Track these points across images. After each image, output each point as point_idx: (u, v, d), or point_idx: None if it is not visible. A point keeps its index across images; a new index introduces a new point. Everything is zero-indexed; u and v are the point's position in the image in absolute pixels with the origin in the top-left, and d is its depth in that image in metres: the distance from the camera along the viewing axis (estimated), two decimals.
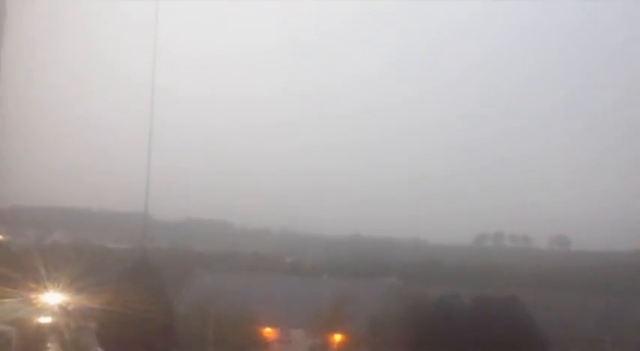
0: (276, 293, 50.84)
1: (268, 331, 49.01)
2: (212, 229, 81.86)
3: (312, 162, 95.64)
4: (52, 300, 38.76)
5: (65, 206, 73.78)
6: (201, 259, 65.06)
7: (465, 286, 55.30)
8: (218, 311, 44.25)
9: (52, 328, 38.50)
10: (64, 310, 39.46)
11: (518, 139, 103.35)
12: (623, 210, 76.49)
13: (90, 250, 55.31)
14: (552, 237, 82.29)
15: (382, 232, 78.32)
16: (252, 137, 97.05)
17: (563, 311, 52.03)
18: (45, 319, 38.19)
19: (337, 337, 46.73)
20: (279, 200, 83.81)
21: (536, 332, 45.99)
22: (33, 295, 36.89)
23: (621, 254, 70.28)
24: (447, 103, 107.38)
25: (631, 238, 67.08)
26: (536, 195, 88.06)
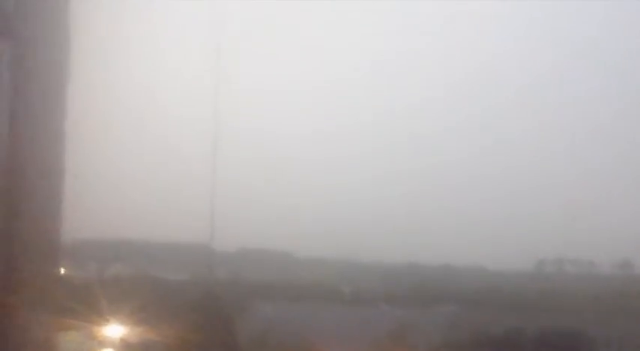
0: (335, 323, 50.83)
1: None
2: (270, 259, 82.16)
3: (368, 191, 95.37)
4: (114, 332, 39.30)
5: (126, 238, 74.79)
6: (260, 289, 65.28)
7: (526, 312, 54.58)
8: (277, 341, 44.40)
9: None
10: (125, 342, 39.96)
11: (577, 163, 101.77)
12: None
13: (151, 282, 55.98)
14: (615, 261, 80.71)
15: (440, 259, 77.63)
16: (310, 168, 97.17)
17: (627, 337, 50.95)
18: None
19: None
20: (337, 229, 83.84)
21: None
22: (96, 328, 37.44)
23: None
24: (504, 127, 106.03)
25: None
26: (597, 218, 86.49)
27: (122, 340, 39.12)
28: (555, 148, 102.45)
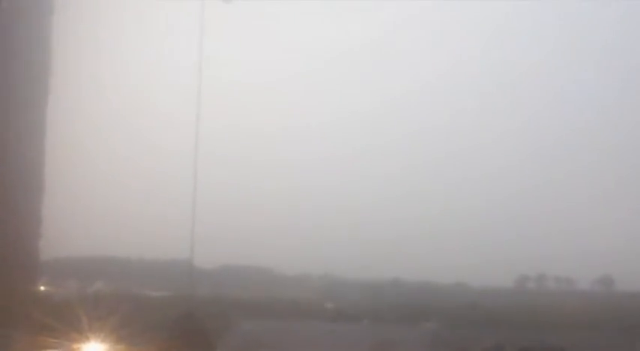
0: (318, 339, 50.65)
1: None
2: (251, 276, 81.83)
3: (351, 208, 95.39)
4: (95, 350, 38.93)
5: (107, 256, 74.37)
6: (241, 306, 64.96)
7: (507, 329, 54.75)
8: None
9: None
10: None
11: (558, 181, 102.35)
12: None
13: (132, 299, 55.56)
14: (595, 278, 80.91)
15: (422, 277, 77.63)
16: (292, 186, 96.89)
17: None
18: None
19: None
20: (319, 246, 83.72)
21: None
22: (76, 346, 37.08)
23: None
24: (489, 150, 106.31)
25: None
26: (578, 236, 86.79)
27: None
28: (537, 168, 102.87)
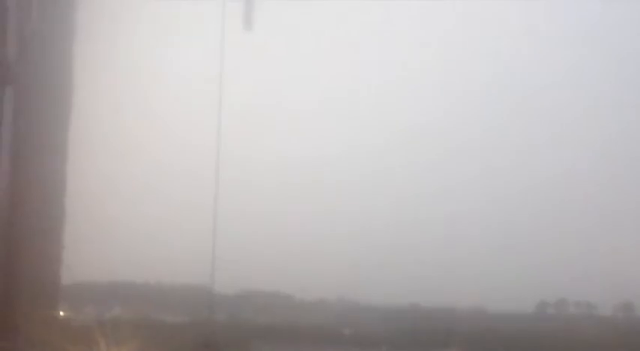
0: None
1: None
2: (271, 301, 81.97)
3: (370, 233, 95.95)
4: None
5: (126, 280, 74.72)
6: (260, 331, 65.00)
7: None
8: None
9: None
10: None
11: (578, 204, 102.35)
12: None
13: (150, 325, 55.87)
14: (617, 303, 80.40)
15: (441, 302, 77.46)
16: (311, 210, 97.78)
17: None
18: None
19: None
20: (338, 271, 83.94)
21: None
22: None
23: None
24: (508, 172, 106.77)
25: None
26: (600, 260, 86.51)
27: None
28: (557, 190, 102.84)
